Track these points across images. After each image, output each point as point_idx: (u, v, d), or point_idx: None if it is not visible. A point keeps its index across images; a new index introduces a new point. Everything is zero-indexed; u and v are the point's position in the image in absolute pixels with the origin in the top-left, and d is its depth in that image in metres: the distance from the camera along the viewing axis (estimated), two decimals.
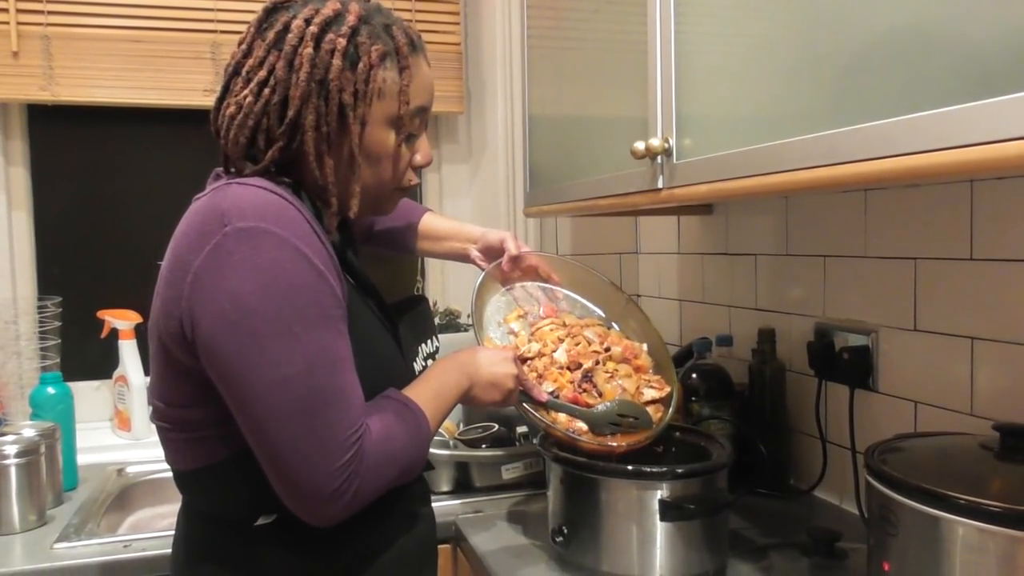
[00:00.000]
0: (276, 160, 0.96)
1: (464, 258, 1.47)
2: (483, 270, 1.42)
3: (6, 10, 1.96)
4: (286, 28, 0.96)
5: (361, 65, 0.95)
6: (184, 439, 0.98)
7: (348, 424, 0.90)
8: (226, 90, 0.99)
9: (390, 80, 0.98)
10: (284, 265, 0.88)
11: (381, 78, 0.97)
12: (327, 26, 0.95)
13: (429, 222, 1.49)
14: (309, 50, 0.94)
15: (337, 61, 0.94)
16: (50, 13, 1.99)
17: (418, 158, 1.07)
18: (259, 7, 1.00)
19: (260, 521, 0.98)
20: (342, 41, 0.94)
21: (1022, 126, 0.68)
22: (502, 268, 1.41)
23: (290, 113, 0.94)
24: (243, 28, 1.01)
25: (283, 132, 0.95)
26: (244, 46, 0.99)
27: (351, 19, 0.96)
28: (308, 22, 0.95)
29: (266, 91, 0.95)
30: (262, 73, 0.95)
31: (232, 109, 0.97)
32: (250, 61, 0.97)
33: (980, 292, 1.22)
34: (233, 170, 0.99)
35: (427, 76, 1.04)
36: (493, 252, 1.43)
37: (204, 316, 0.87)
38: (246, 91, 0.96)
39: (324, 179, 0.98)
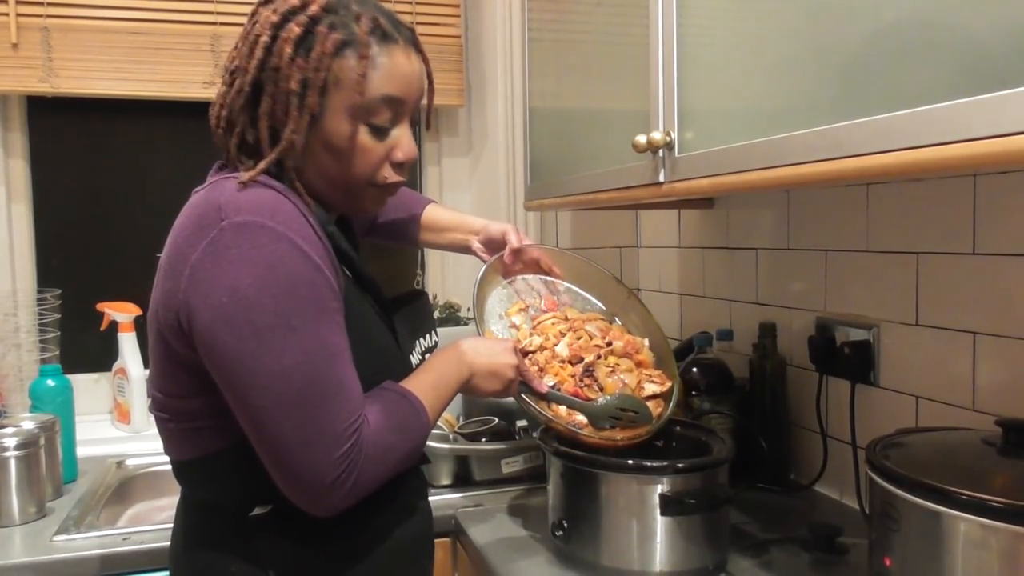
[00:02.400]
0: (243, 150, 0.97)
1: (466, 250, 1.47)
2: (484, 262, 1.41)
3: (6, 2, 1.95)
4: (255, 17, 0.97)
5: (314, 53, 0.94)
6: (182, 429, 0.99)
7: (347, 415, 0.91)
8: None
9: (347, 69, 0.95)
10: (281, 259, 0.88)
11: (337, 67, 0.95)
12: (289, 15, 0.95)
13: (432, 214, 1.49)
14: (266, 38, 0.94)
15: (288, 48, 0.93)
16: (50, 5, 1.99)
17: (398, 154, 1.02)
18: None
19: (256, 511, 0.98)
20: (296, 29, 0.94)
21: None
22: (504, 260, 1.41)
23: (242, 101, 0.96)
24: (243, 21, 1.02)
25: (243, 121, 0.96)
26: (238, 39, 1.00)
27: (314, 8, 0.95)
28: (274, 11, 0.95)
29: (236, 81, 0.96)
30: (233, 63, 0.97)
31: (219, 105, 0.99)
32: (233, 52, 0.99)
33: (982, 287, 1.22)
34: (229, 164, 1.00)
35: (402, 67, 0.99)
36: (495, 244, 1.43)
37: (202, 310, 0.88)
38: (221, 81, 0.99)
39: (288, 171, 0.97)
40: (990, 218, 1.21)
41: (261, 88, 0.95)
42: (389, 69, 0.98)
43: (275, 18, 0.94)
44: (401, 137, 1.02)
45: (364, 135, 0.98)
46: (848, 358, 1.43)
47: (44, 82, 2.00)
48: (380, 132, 1.00)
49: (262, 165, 0.95)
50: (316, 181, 1.00)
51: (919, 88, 0.80)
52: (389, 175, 1.03)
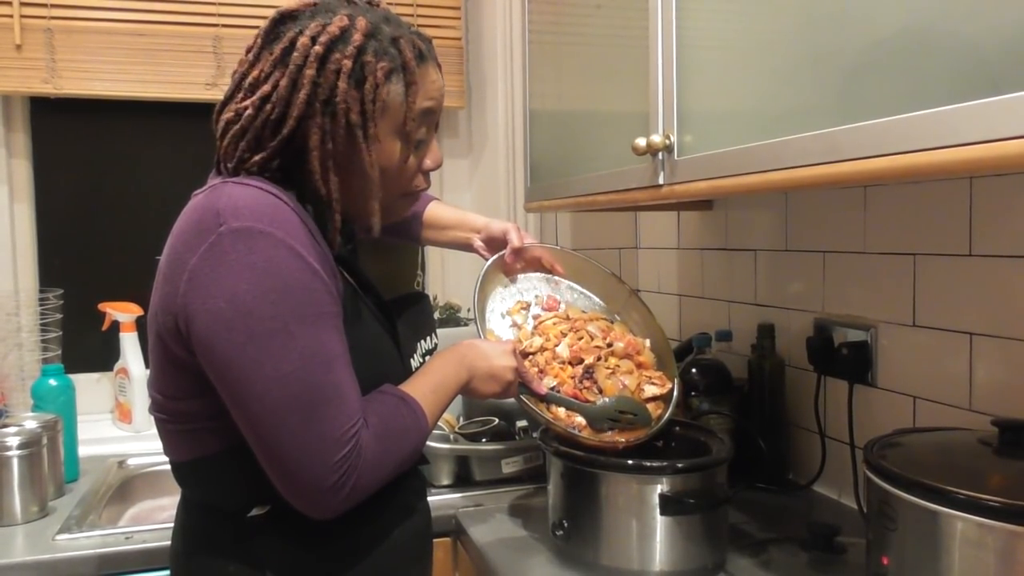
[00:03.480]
0: (275, 168, 0.97)
1: (467, 247, 1.48)
2: (486, 260, 1.42)
3: (9, 3, 1.96)
4: (292, 45, 0.95)
5: (367, 85, 0.94)
6: (180, 431, 0.99)
7: (345, 419, 0.91)
8: (231, 95, 0.99)
9: (395, 94, 0.97)
10: (279, 264, 0.88)
11: (386, 93, 0.96)
12: (332, 46, 0.94)
13: (434, 211, 1.49)
14: (312, 71, 0.93)
15: (343, 83, 0.93)
16: (53, 6, 1.99)
17: (428, 162, 1.07)
18: (261, 1, 0.99)
19: (254, 512, 0.98)
20: (347, 63, 0.93)
21: (1022, 125, 0.68)
22: (505, 260, 1.41)
23: (284, 131, 0.94)
24: (245, 23, 1.01)
25: (274, 147, 0.95)
26: (251, 55, 0.99)
27: (357, 37, 0.94)
28: (314, 40, 0.94)
29: (267, 107, 0.95)
30: (266, 88, 0.95)
31: (230, 116, 0.97)
32: (255, 72, 0.97)
33: (979, 288, 1.23)
34: (227, 168, 1.00)
35: (435, 83, 1.03)
36: (496, 243, 1.44)
37: (200, 315, 0.88)
38: (247, 103, 0.96)
39: (329, 195, 0.98)
40: (986, 220, 1.21)
41: (302, 120, 0.94)
42: (426, 88, 1.01)
43: (319, 49, 0.93)
44: (430, 146, 1.07)
45: (408, 153, 1.02)
46: (846, 359, 1.44)
47: (47, 83, 2.00)
48: (417, 146, 1.04)
49: (333, 194, 0.97)
50: (349, 198, 1.00)
51: (915, 93, 0.81)
52: (419, 182, 1.08)
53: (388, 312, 1.12)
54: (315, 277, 0.91)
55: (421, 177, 1.08)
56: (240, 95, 0.98)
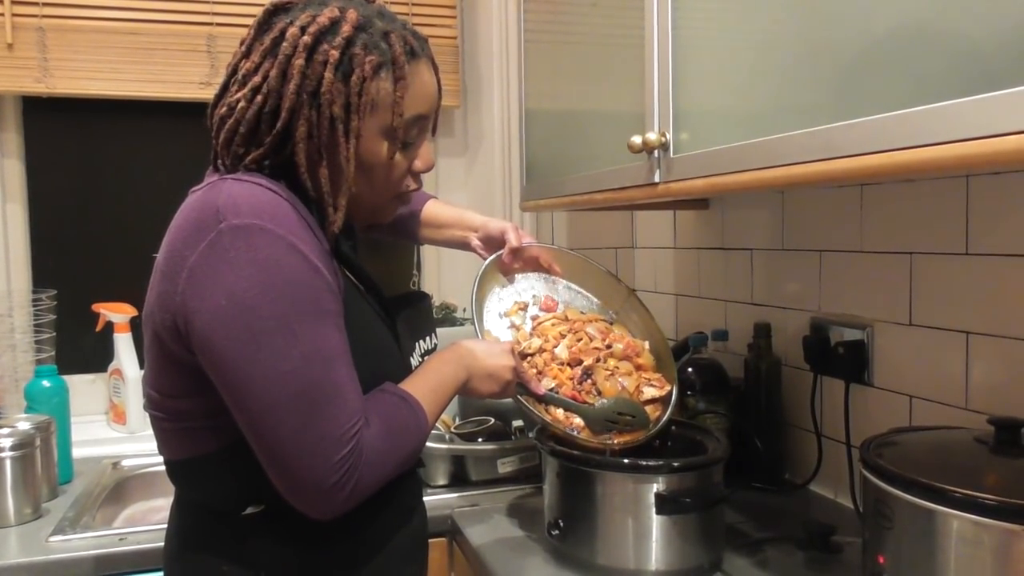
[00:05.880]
0: (272, 164, 0.96)
1: (465, 246, 1.47)
2: (483, 259, 1.41)
3: (1, 2, 1.95)
4: (282, 35, 0.94)
5: (354, 77, 0.94)
6: (175, 429, 0.99)
7: (346, 418, 0.91)
8: (225, 89, 0.99)
9: (383, 91, 0.96)
10: (279, 261, 0.88)
11: (375, 89, 0.95)
12: (321, 36, 0.93)
13: (432, 209, 1.49)
14: (301, 61, 0.92)
15: (329, 74, 0.93)
16: (45, 5, 1.99)
17: (418, 164, 1.06)
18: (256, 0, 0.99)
19: (248, 511, 0.98)
20: (335, 53, 0.93)
21: (1019, 120, 0.68)
22: (503, 259, 1.40)
23: (278, 124, 0.94)
24: (239, 21, 1.01)
25: (271, 141, 0.95)
26: (244, 46, 0.98)
27: (346, 29, 0.94)
28: (303, 31, 0.93)
29: (259, 98, 0.94)
30: (256, 79, 0.95)
31: (224, 111, 0.97)
32: (247, 64, 0.96)
33: (975, 287, 1.23)
34: (224, 166, 0.99)
35: (428, 84, 1.02)
36: (494, 242, 1.43)
37: (200, 312, 0.88)
38: (239, 95, 0.95)
39: (318, 189, 0.97)
40: (983, 218, 1.21)
41: (293, 112, 0.94)
42: (418, 88, 1.00)
43: (307, 39, 0.92)
44: (422, 147, 1.05)
45: (394, 152, 1.00)
46: (842, 358, 1.43)
47: (39, 82, 2.00)
48: (407, 147, 1.02)
49: (323, 187, 0.96)
50: (339, 196, 0.99)
51: (911, 89, 0.81)
52: (410, 184, 1.07)
53: (389, 310, 1.12)
54: (316, 274, 0.90)
55: (411, 179, 1.07)
56: (233, 88, 0.97)
